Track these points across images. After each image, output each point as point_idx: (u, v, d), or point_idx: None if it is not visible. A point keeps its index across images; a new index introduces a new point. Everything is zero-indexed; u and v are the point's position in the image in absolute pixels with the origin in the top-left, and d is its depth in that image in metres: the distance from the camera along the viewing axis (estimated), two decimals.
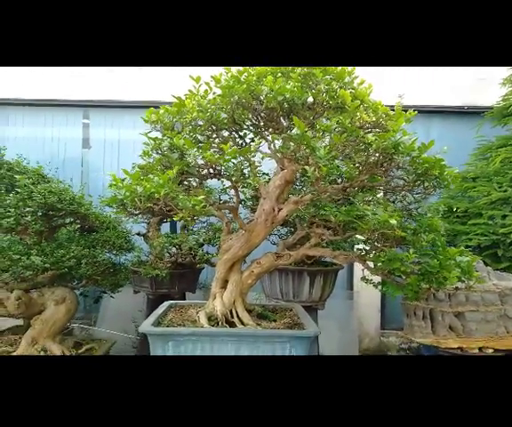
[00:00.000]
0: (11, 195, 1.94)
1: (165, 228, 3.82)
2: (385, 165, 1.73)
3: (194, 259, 3.18)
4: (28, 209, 1.98)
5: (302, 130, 1.44)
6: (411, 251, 1.46)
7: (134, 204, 1.38)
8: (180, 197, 1.36)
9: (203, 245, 3.22)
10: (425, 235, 1.60)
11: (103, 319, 4.15)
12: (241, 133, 2.08)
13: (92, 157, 4.50)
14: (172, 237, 3.10)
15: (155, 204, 1.37)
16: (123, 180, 1.43)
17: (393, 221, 1.36)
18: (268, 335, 1.80)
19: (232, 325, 1.92)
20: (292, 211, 1.93)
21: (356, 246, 2.47)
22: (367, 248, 1.88)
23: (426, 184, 1.73)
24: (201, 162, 1.65)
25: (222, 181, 2.74)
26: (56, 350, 2.14)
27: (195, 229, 3.56)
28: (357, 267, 4.27)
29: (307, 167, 1.44)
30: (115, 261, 2.38)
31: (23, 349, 2.12)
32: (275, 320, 2.08)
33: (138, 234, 3.34)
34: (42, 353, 2.13)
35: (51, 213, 2.06)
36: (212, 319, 1.94)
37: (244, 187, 2.02)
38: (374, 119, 1.62)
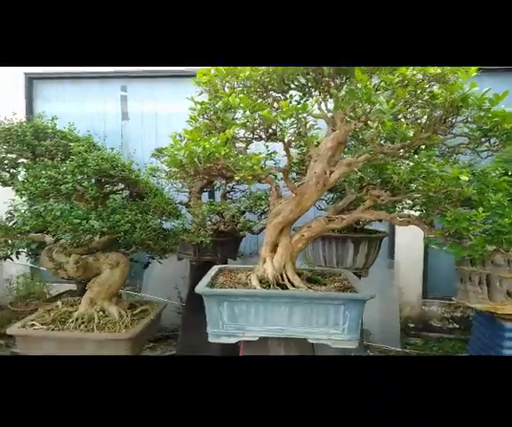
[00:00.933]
0: (67, 162, 2.00)
1: (204, 197, 3.86)
2: (448, 121, 1.64)
3: (236, 226, 3.21)
4: (81, 176, 2.05)
5: (364, 83, 1.37)
6: (480, 209, 1.38)
7: (194, 164, 1.38)
8: (240, 156, 1.34)
9: (244, 212, 3.24)
10: (492, 194, 1.51)
11: (147, 286, 4.32)
12: (287, 95, 2.03)
13: (130, 128, 4.56)
14: (214, 205, 3.13)
15: (214, 164, 1.37)
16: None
17: (464, 178, 1.29)
18: (323, 297, 1.80)
19: (283, 288, 1.93)
20: (344, 173, 1.88)
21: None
22: (424, 209, 1.81)
23: (493, 141, 1.63)
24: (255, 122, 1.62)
25: (267, 146, 2.71)
26: (113, 310, 2.25)
27: (234, 198, 3.59)
28: (399, 235, 4.18)
29: (370, 123, 1.38)
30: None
31: (83, 309, 2.24)
32: (325, 284, 2.08)
33: (180, 203, 3.40)
34: (100, 313, 2.24)
35: (104, 179, 2.11)
36: (262, 282, 1.96)
37: (298, 147, 1.97)
38: (439, 71, 1.52)
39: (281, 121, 1.51)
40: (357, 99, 1.42)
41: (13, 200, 2.36)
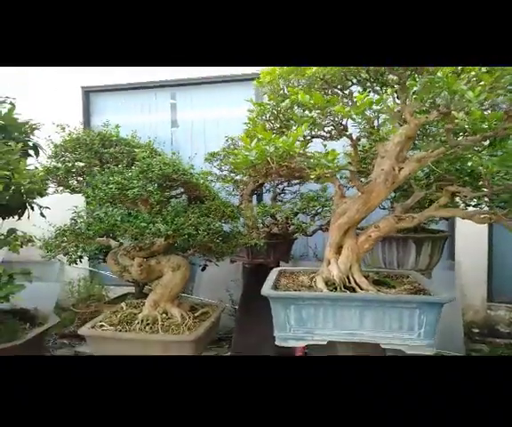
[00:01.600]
0: (132, 167, 2.06)
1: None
2: None
3: (288, 228, 3.17)
4: (145, 181, 2.10)
5: (447, 72, 1.28)
6: None
7: (267, 164, 1.36)
8: (316, 154, 1.30)
9: (297, 214, 3.19)
10: None
11: (199, 289, 4.38)
12: (346, 92, 1.97)
13: (179, 135, 4.66)
14: (267, 207, 3.11)
15: (288, 163, 1.34)
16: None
17: None
18: (395, 300, 1.71)
19: (350, 290, 1.86)
20: (415, 169, 1.78)
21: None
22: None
23: None
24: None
25: (325, 146, 2.66)
26: (176, 312, 2.28)
27: (284, 200, 3.55)
28: (459, 235, 3.93)
29: (454, 113, 1.28)
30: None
31: (147, 311, 2.29)
32: (394, 287, 1.98)
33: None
34: (163, 315, 2.28)
35: (166, 183, 2.15)
36: (328, 284, 1.90)
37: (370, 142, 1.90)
38: None
39: (354, 116, 1.46)
40: (438, 88, 1.33)
41: (76, 207, 2.47)
